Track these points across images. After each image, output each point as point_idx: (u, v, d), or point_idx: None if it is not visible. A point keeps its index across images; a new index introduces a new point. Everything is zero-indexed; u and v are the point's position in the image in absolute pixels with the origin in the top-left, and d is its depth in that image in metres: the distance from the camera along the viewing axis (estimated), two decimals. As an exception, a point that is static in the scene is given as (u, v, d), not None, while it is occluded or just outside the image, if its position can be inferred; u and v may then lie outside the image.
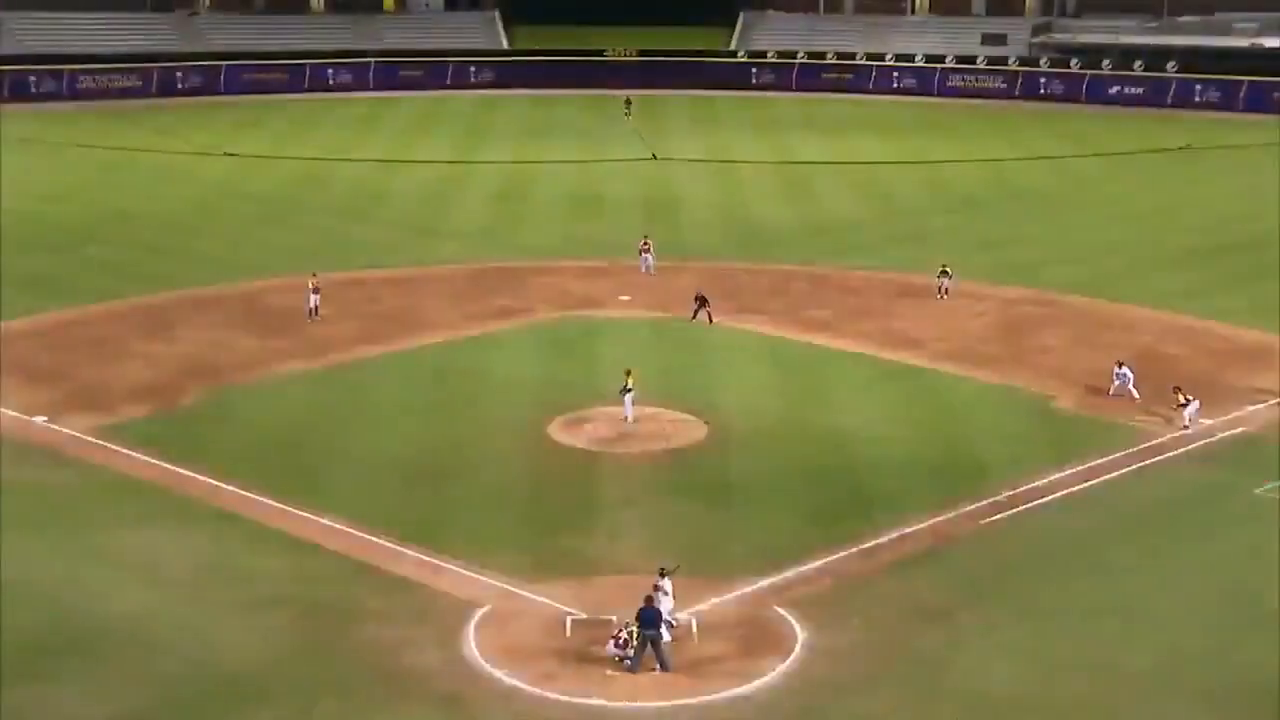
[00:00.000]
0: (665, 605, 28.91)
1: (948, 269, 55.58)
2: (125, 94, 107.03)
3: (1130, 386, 44.09)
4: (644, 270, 58.31)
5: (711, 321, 51.79)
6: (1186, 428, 41.36)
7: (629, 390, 40.97)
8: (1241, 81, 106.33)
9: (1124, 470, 38.51)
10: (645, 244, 58.99)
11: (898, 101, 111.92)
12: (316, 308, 51.62)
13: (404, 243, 65.41)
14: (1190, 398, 41.58)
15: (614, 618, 29.27)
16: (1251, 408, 43.28)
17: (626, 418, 40.94)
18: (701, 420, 41.84)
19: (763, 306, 54.77)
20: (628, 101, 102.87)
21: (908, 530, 34.59)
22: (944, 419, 42.53)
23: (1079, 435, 41.05)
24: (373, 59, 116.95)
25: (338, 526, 34.57)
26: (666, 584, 29.34)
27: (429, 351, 48.79)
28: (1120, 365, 44.51)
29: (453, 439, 40.57)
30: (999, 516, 35.44)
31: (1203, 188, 79.73)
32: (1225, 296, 55.56)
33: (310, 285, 51.93)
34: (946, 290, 54.94)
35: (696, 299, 52.49)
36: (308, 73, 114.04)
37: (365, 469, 38.28)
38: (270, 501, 35.89)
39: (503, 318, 52.90)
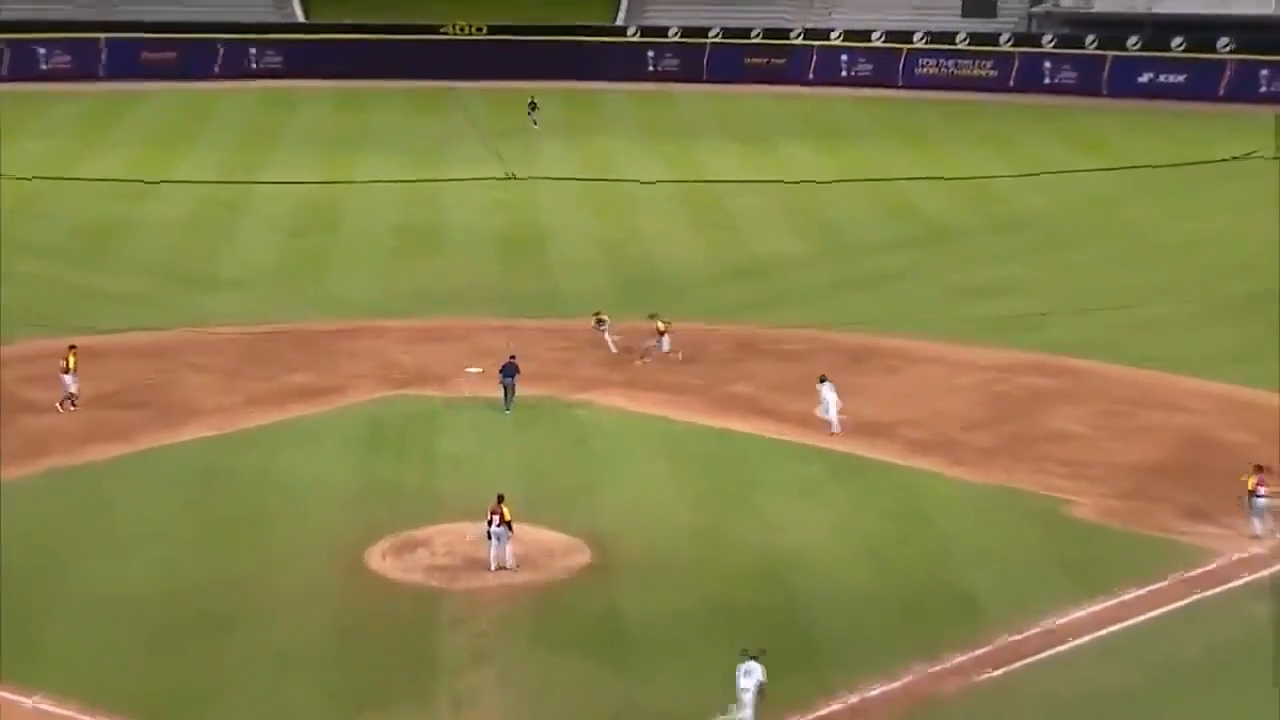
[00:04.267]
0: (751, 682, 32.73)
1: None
2: None
3: (831, 415, 47.27)
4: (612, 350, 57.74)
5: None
6: (1257, 535, 42.11)
7: (500, 526, 40.20)
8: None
9: (1170, 606, 38.75)
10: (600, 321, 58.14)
11: (848, 96, 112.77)
12: (73, 396, 51.36)
13: (158, 295, 64.80)
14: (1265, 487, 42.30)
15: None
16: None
17: (491, 566, 40.31)
18: (581, 540, 41.95)
19: (666, 380, 55.05)
20: (533, 104, 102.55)
21: (872, 693, 34.38)
22: (918, 535, 42.84)
23: (1105, 555, 41.51)
24: (104, 35, 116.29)
25: (55, 710, 33.64)
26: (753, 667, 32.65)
27: (195, 449, 48.51)
28: (822, 380, 48.15)
29: (228, 575, 40.08)
30: (997, 672, 35.55)
31: (1262, 213, 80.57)
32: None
33: (64, 364, 51.56)
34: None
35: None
36: (6, 56, 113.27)
37: (98, 622, 37.55)
38: (-42, 674, 35.13)
39: (302, 401, 52.78)
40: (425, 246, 73.37)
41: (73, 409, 51.44)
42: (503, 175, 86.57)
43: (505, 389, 51.87)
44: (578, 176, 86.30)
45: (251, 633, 37.25)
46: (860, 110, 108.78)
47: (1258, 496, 42.20)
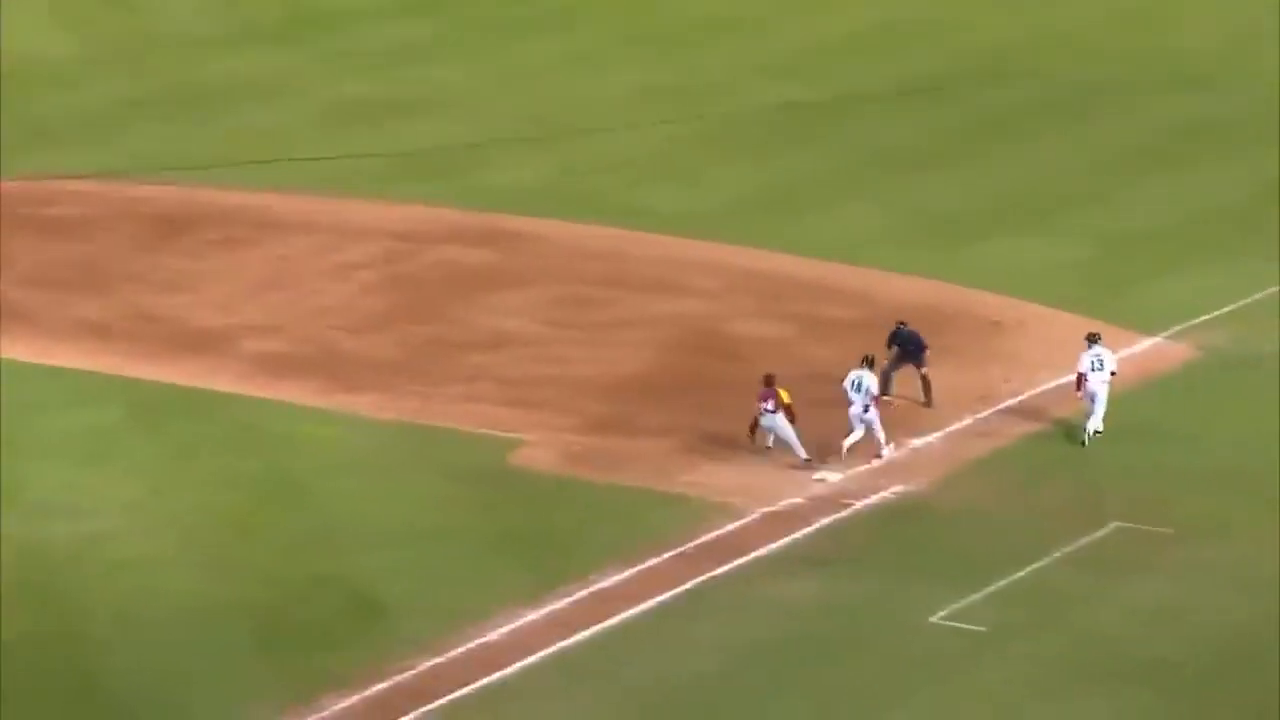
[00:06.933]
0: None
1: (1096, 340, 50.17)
2: None
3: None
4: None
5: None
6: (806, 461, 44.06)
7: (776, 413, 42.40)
8: None
9: (661, 597, 39.53)
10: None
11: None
12: None
13: None
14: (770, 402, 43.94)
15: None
16: None
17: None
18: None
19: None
20: None
21: None
22: (279, 508, 43.28)
23: (566, 524, 42.63)
24: None
25: None
26: None
27: None
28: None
29: None
30: (410, 718, 35.68)
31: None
32: None
33: None
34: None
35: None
36: None
37: None
38: None
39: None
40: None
41: None
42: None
43: None
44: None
45: None
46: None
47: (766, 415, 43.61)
